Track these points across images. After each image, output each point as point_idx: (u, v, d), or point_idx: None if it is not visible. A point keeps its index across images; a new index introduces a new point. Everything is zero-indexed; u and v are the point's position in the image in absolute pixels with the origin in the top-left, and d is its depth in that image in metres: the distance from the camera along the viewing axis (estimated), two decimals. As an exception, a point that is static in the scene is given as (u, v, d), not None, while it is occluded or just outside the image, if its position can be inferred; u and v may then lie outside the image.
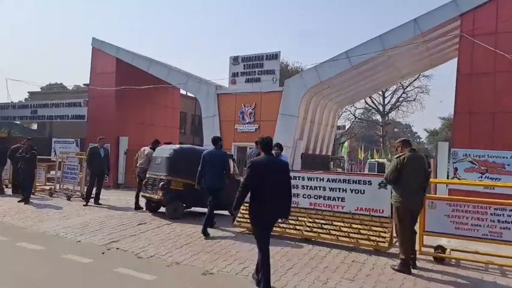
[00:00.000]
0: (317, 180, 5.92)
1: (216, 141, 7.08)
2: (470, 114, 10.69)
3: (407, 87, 42.67)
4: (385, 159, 34.29)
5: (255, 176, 4.12)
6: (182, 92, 22.80)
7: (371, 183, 5.44)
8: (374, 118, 50.89)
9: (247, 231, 6.56)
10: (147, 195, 8.28)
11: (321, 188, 5.86)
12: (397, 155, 4.74)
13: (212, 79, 16.88)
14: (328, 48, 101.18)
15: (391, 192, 5.13)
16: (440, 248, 5.08)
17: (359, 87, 16.75)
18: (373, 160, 30.93)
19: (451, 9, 11.05)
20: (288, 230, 5.99)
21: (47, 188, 11.42)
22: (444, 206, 4.92)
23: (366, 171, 29.11)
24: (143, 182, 8.55)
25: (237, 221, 6.59)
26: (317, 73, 13.51)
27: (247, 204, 5.57)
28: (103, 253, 5.53)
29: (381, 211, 5.34)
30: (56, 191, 11.08)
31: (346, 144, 29.17)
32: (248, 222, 6.43)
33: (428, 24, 11.47)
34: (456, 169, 10.54)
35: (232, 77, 15.80)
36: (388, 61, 13.79)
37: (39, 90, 42.32)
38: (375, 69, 14.63)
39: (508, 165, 9.91)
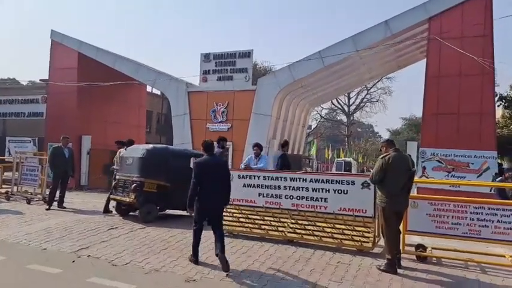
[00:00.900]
0: (300, 181, 5.83)
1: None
2: (437, 115, 11.11)
3: (370, 88, 44.27)
4: (351, 158, 35.30)
5: (199, 173, 4.95)
6: (148, 89, 22.10)
7: (354, 183, 5.42)
8: (338, 118, 52.31)
9: (227, 234, 6.35)
10: (118, 197, 7.83)
11: (304, 189, 5.78)
12: (382, 155, 4.73)
13: (181, 77, 16.38)
14: (296, 48, 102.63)
15: (376, 192, 5.14)
16: (421, 247, 5.15)
17: (330, 87, 16.97)
18: (340, 159, 31.67)
19: (421, 12, 11.41)
20: (270, 232, 5.87)
21: (3, 191, 10.54)
22: (426, 205, 5.00)
23: (334, 170, 29.77)
24: (113, 184, 8.07)
25: (216, 224, 6.34)
26: (290, 72, 13.50)
27: (228, 208, 5.49)
28: (73, 261, 5.10)
29: (364, 211, 5.34)
30: (14, 194, 10.26)
31: (315, 143, 29.63)
32: (228, 225, 6.26)
33: (398, 26, 11.78)
34: (424, 168, 10.91)
35: (204, 74, 15.43)
36: (359, 62, 14.05)
37: (-9, 85, 39.42)
38: (346, 70, 14.88)
39: (472, 163, 10.40)
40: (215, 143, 6.86)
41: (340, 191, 5.51)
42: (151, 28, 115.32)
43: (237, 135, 14.39)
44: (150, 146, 8.13)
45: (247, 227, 6.06)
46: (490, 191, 9.64)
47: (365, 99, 47.85)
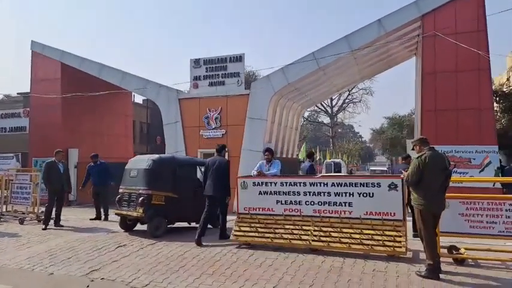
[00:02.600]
0: (320, 185, 5.59)
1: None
2: (436, 112, 11.14)
3: (352, 89, 44.79)
4: (340, 159, 35.47)
5: (206, 168, 6.91)
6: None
7: (380, 186, 5.23)
8: (320, 120, 52.71)
9: (245, 245, 6.05)
10: (123, 212, 7.39)
11: (326, 194, 5.54)
12: (418, 155, 4.55)
13: (170, 84, 15.95)
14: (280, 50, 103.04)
15: (404, 194, 4.96)
16: (454, 248, 5.00)
17: (323, 89, 16.91)
18: (329, 160, 31.75)
19: (413, 10, 11.46)
20: (293, 241, 5.59)
21: (-9, 211, 9.86)
22: (458, 205, 4.85)
23: (323, 172, 29.77)
24: (116, 198, 7.62)
25: (234, 235, 6.04)
26: (284, 75, 13.31)
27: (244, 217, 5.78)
28: (87, 286, 4.69)
29: (392, 214, 5.14)
30: (3, 214, 9.62)
31: (304, 146, 29.58)
32: (246, 236, 5.97)
33: (391, 24, 11.79)
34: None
35: (194, 80, 15.07)
36: (353, 62, 14.03)
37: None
38: (339, 70, 14.83)
39: (474, 159, 10.45)
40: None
41: (365, 194, 5.30)
42: (136, 38, 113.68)
43: (232, 140, 14.06)
44: (156, 156, 7.70)
45: (267, 237, 5.77)
46: (493, 185, 9.70)
47: (347, 100, 48.48)
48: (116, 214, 7.78)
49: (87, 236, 7.26)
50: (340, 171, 29.18)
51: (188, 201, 7.41)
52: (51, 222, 8.35)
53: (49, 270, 5.34)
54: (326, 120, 52.16)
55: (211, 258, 5.52)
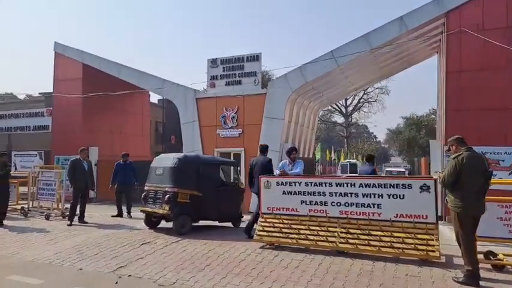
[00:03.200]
0: (347, 186, 5.50)
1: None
2: (461, 111, 10.86)
3: (367, 88, 44.17)
4: (357, 160, 35.04)
5: (251, 167, 7.29)
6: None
7: (411, 187, 5.10)
8: (333, 120, 52.16)
9: (268, 246, 6.01)
10: (149, 209, 7.48)
11: (353, 195, 5.45)
12: (454, 155, 4.41)
13: (187, 84, 16.05)
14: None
15: (436, 195, 4.83)
16: (491, 254, 4.82)
17: (340, 88, 16.73)
18: (345, 161, 31.40)
19: (436, 7, 11.21)
20: (319, 243, 5.51)
21: (19, 207, 10.09)
22: (495, 208, 4.69)
23: (339, 173, 29.45)
24: (142, 196, 7.72)
25: (258, 235, 6.01)
26: (302, 74, 13.22)
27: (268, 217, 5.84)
28: (116, 283, 4.74)
29: (424, 217, 5.01)
30: (30, 210, 9.84)
31: (319, 146, 29.35)
32: (270, 236, 5.92)
33: (414, 21, 11.56)
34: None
35: (211, 80, 15.12)
36: (372, 61, 13.83)
37: (-14, 100, 38.83)
38: (357, 69, 14.63)
39: (503, 160, 10.11)
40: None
41: (395, 196, 5.19)
42: (151, 36, 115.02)
43: (249, 140, 14.06)
44: (181, 154, 7.80)
45: (292, 238, 5.72)
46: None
47: (362, 100, 47.78)
48: (141, 211, 7.85)
49: (111, 232, 7.34)
50: (356, 172, 28.78)
51: (212, 199, 7.50)
52: (76, 218, 8.48)
53: (78, 265, 5.42)
54: (339, 120, 51.62)
55: (236, 257, 5.50)
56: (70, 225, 8.16)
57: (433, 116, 41.07)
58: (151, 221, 7.77)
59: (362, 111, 48.60)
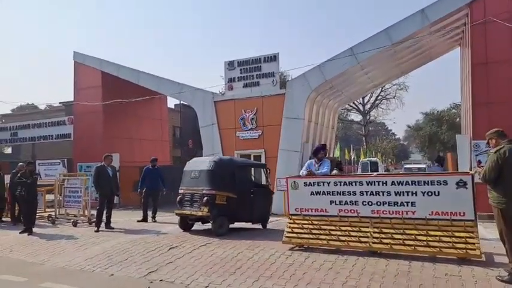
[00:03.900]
0: (379, 184, 5.34)
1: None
2: (489, 105, 10.48)
3: (385, 84, 43.36)
4: (377, 158, 34.44)
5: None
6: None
7: (447, 183, 4.90)
8: (350, 118, 51.44)
9: (297, 248, 5.90)
10: (187, 212, 7.64)
11: (385, 193, 5.28)
12: (496, 149, 4.21)
13: (204, 87, 16.13)
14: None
15: (474, 191, 4.62)
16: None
17: (360, 85, 16.46)
18: (365, 160, 30.87)
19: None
20: (351, 244, 5.37)
21: (46, 214, 10.29)
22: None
23: (359, 171, 28.97)
24: (178, 199, 7.89)
25: (287, 237, 5.90)
26: (321, 72, 13.04)
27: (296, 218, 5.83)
28: (148, 288, 4.72)
29: (462, 214, 4.81)
30: (57, 218, 10.02)
31: (338, 145, 28.96)
32: (299, 238, 5.81)
33: (436, 14, 11.24)
34: (479, 162, 10.23)
35: (229, 82, 15.11)
36: (393, 56, 13.53)
37: (10, 112, 40.13)
38: (377, 65, 14.35)
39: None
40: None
41: (430, 193, 4.99)
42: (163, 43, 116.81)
43: (269, 141, 13.96)
44: (217, 157, 8.11)
45: (323, 239, 5.59)
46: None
47: (380, 97, 46.97)
48: (176, 214, 7.98)
49: (138, 237, 7.37)
50: (377, 171, 28.28)
51: (246, 201, 7.73)
52: (102, 224, 8.57)
53: (109, 271, 5.44)
54: (356, 118, 50.90)
55: (266, 260, 5.41)
56: (97, 231, 8.25)
57: (454, 110, 40.02)
58: (187, 224, 7.90)
59: (380, 109, 47.78)
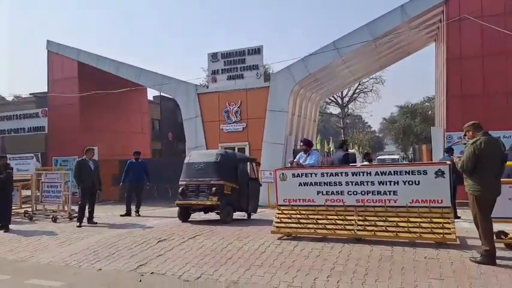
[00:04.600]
0: (363, 175, 5.55)
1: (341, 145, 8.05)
2: (462, 98, 10.98)
3: (362, 78, 44.20)
4: (355, 150, 35.25)
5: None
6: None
7: (426, 173, 5.16)
8: (328, 111, 52.30)
9: (286, 237, 6.06)
10: (193, 202, 7.96)
11: (369, 183, 5.50)
12: (472, 141, 4.47)
13: (188, 79, 16.02)
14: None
15: (451, 180, 4.89)
16: (503, 233, 4.93)
17: (341, 79, 16.76)
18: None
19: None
20: (337, 231, 5.57)
21: (22, 211, 10.01)
22: (507, 190, 4.78)
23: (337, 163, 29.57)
24: (180, 190, 8.16)
25: (276, 227, 6.04)
26: (305, 65, 13.22)
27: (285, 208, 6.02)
28: (140, 281, 4.73)
29: (440, 201, 5.08)
30: (35, 213, 9.77)
31: (318, 138, 29.43)
32: (288, 227, 5.97)
33: (414, 10, 11.62)
34: (452, 150, 10.75)
35: (212, 74, 15.05)
36: (374, 50, 13.86)
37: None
38: (359, 59, 14.66)
39: (503, 144, 10.25)
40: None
41: (411, 182, 5.25)
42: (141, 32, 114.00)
43: (253, 134, 14.08)
44: (222, 151, 8.87)
45: (310, 228, 5.76)
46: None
47: (358, 90, 47.92)
48: (178, 205, 8.24)
49: (124, 232, 7.32)
50: (355, 162, 28.98)
51: (244, 192, 8.27)
52: (85, 219, 8.44)
53: (96, 266, 5.40)
54: (335, 111, 51.77)
55: (256, 250, 5.52)
56: (80, 226, 8.12)
57: (427, 103, 41.46)
58: (186, 214, 8.21)
59: (358, 102, 48.79)
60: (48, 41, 17.47)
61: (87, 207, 8.52)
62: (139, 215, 9.74)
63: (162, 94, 22.58)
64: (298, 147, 15.58)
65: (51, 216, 9.25)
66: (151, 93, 28.49)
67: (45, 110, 17.74)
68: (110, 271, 5.18)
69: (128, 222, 8.73)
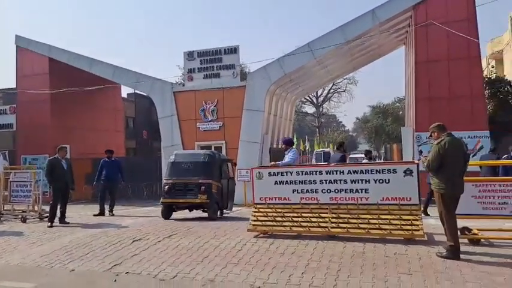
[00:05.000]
0: (337, 174, 5.73)
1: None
2: (430, 100, 11.47)
3: (336, 78, 45.08)
4: (329, 148, 35.92)
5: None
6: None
7: (396, 172, 5.40)
8: (304, 110, 53.07)
9: (262, 235, 6.16)
10: (179, 200, 8.25)
11: (342, 181, 5.69)
12: (437, 141, 4.72)
13: (164, 77, 15.80)
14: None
15: (419, 179, 5.15)
16: (467, 229, 5.24)
17: (316, 79, 17.08)
18: (319, 150, 32.13)
19: (405, 0, 11.69)
20: (312, 229, 5.73)
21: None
22: (471, 188, 5.07)
23: (314, 161, 30.13)
24: (165, 189, 8.44)
25: (252, 225, 6.13)
26: (280, 66, 13.40)
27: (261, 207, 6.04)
28: (115, 281, 4.70)
29: (408, 199, 5.33)
30: (2, 214, 9.41)
31: (294, 137, 29.84)
32: (264, 225, 6.08)
33: (385, 14, 12.02)
34: (421, 152, 11.21)
35: (189, 73, 14.98)
36: (346, 53, 14.22)
37: None
38: (333, 60, 14.99)
39: (467, 144, 10.78)
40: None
41: (381, 181, 5.47)
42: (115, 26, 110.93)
43: (230, 133, 14.14)
44: (209, 151, 9.25)
45: (286, 226, 5.89)
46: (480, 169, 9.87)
47: (332, 90, 48.88)
48: (163, 203, 8.50)
49: (98, 231, 7.20)
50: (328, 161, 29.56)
51: (225, 190, 8.94)
52: (56, 219, 8.23)
53: (69, 266, 5.29)
54: (310, 110, 52.60)
55: (233, 248, 5.59)
56: (51, 226, 7.90)
57: (398, 104, 42.80)
58: (170, 212, 8.48)
59: (332, 102, 49.79)
60: (16, 36, 16.83)
61: (58, 207, 8.30)
62: (113, 215, 9.59)
63: (136, 92, 22.20)
64: (274, 146, 15.79)
65: (20, 216, 8.95)
66: (125, 91, 27.92)
67: (14, 106, 17.09)
68: (84, 271, 5.09)
69: (102, 222, 8.58)
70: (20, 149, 16.68)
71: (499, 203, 4.98)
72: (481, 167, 8.46)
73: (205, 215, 8.69)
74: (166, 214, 8.45)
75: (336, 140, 57.49)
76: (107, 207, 9.81)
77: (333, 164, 6.49)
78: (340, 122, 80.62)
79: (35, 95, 15.94)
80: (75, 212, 10.49)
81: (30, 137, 16.12)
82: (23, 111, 16.55)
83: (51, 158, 8.56)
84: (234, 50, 14.34)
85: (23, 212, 9.22)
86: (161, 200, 8.57)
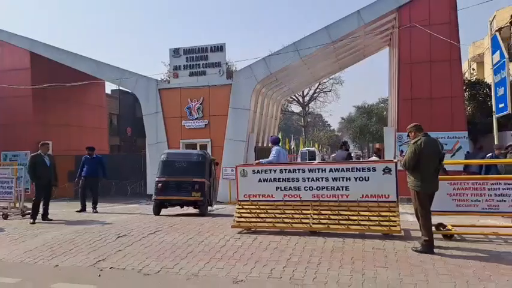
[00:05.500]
0: (319, 171, 5.89)
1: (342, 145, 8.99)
2: (412, 100, 11.79)
3: (322, 78, 45.51)
4: (315, 148, 36.32)
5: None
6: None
7: (375, 170, 5.59)
8: (290, 109, 53.45)
9: (246, 231, 6.28)
10: (174, 197, 8.60)
11: (324, 179, 5.85)
12: (414, 141, 4.92)
13: (149, 74, 15.76)
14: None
15: (397, 177, 5.35)
16: (441, 225, 5.48)
17: (302, 78, 17.26)
18: (304, 149, 32.45)
19: (390, 2, 11.97)
20: (294, 225, 5.88)
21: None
22: (446, 186, 5.31)
23: (299, 160, 30.43)
24: (159, 186, 8.66)
25: (236, 221, 6.24)
26: (266, 65, 13.52)
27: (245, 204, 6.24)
28: (99, 276, 4.73)
29: (387, 196, 5.53)
30: (-18, 211, 9.24)
31: (280, 135, 30.09)
32: (247, 222, 6.20)
33: (370, 16, 12.26)
34: (402, 151, 11.53)
35: (174, 70, 14.95)
36: (333, 52, 14.43)
37: None
38: (318, 60, 15.20)
39: (446, 144, 11.15)
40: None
41: (361, 179, 5.65)
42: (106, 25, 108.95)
43: (215, 131, 14.19)
44: (202, 151, 9.76)
45: (269, 222, 6.02)
46: (463, 169, 10.30)
47: (318, 90, 49.34)
48: (156, 200, 8.78)
49: (82, 228, 7.19)
50: (314, 159, 29.93)
51: (212, 188, 9.40)
52: (39, 216, 8.15)
53: (53, 262, 5.30)
54: (296, 109, 52.97)
55: (216, 244, 5.69)
56: (33, 223, 7.83)
57: (382, 104, 43.57)
58: (160, 209, 8.79)
59: (318, 101, 50.25)
60: (-4, 28, 16.42)
61: (41, 204, 8.22)
62: (96, 212, 9.55)
63: (121, 88, 21.97)
64: (260, 145, 15.92)
65: (2, 213, 8.82)
66: (109, 87, 27.58)
67: (-7, 101, 16.66)
68: (67, 267, 5.11)
69: (86, 218, 8.54)
70: (0, 145, 16.32)
71: (472, 201, 5.23)
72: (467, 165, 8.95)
73: (195, 211, 8.97)
74: (158, 210, 8.75)
75: (322, 139, 58.19)
76: (89, 204, 9.75)
77: (315, 162, 6.64)
78: (326, 121, 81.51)
79: (15, 90, 15.63)
80: (58, 209, 10.38)
81: (11, 133, 15.81)
82: (3, 107, 16.21)
83: (33, 154, 8.46)
84: (220, 48, 14.39)
85: (4, 208, 9.09)
86: (154, 197, 8.82)
